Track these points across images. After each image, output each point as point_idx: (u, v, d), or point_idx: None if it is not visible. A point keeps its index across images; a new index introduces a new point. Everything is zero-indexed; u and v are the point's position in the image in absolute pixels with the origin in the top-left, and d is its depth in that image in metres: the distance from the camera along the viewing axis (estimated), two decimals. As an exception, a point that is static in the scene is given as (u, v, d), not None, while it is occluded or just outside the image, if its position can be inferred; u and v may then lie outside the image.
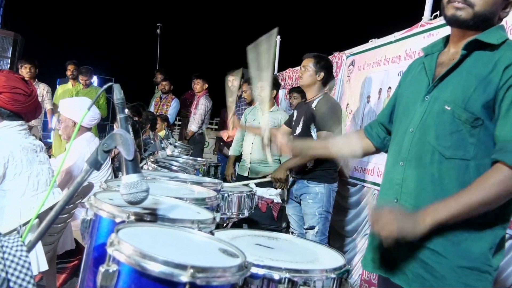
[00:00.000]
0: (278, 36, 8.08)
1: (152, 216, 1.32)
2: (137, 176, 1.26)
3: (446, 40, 1.77)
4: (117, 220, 1.29)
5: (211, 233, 1.47)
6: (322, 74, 3.70)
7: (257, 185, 3.95)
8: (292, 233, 3.78)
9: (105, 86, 1.31)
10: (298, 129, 3.74)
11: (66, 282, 3.59)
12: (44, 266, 2.47)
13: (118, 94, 1.28)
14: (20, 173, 2.54)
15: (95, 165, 1.23)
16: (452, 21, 1.64)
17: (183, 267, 0.94)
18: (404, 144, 1.70)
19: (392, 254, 1.70)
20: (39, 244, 2.44)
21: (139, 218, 1.30)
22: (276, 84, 5.90)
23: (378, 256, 1.78)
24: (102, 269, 0.98)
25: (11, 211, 2.50)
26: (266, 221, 4.66)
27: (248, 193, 3.49)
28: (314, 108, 3.62)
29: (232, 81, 5.80)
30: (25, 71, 6.63)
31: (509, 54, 1.53)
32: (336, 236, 4.66)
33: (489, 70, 1.53)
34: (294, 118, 3.92)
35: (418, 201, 1.63)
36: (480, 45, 1.59)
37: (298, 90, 5.66)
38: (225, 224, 3.68)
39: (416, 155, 1.65)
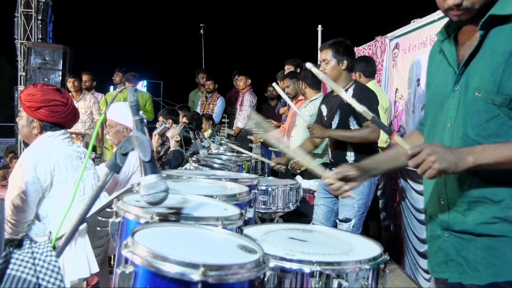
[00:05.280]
0: (320, 26, 7.98)
1: (176, 216, 1.32)
2: (155, 176, 1.27)
3: None
4: (142, 221, 1.30)
5: (240, 229, 1.45)
6: (345, 61, 3.42)
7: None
8: (313, 224, 3.58)
9: (119, 90, 1.33)
10: (334, 124, 3.52)
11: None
12: (95, 268, 2.56)
13: (131, 97, 1.30)
14: (66, 180, 2.64)
15: (114, 168, 1.25)
16: (461, 23, 1.56)
17: (194, 266, 0.94)
18: (445, 142, 1.58)
19: (457, 253, 1.60)
20: (89, 247, 2.53)
21: (163, 218, 1.30)
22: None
23: (442, 259, 1.66)
24: (118, 271, 1.00)
25: (59, 217, 2.60)
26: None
27: (292, 186, 3.47)
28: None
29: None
30: (69, 85, 6.72)
31: None
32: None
33: None
34: (324, 114, 3.66)
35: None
36: (496, 19, 1.47)
37: None
38: (275, 219, 3.67)
39: None
